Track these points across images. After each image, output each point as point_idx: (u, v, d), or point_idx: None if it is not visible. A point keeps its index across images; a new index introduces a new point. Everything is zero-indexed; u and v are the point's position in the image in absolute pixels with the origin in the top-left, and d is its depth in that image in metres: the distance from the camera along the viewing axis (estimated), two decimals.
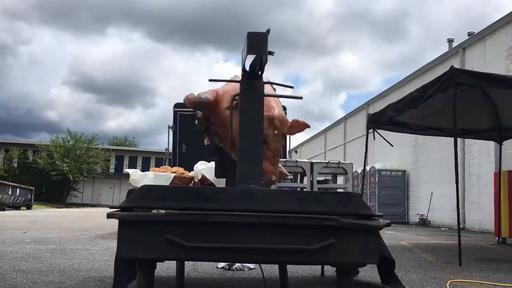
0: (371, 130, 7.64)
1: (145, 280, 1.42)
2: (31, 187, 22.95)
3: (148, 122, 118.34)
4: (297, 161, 6.44)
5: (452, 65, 5.57)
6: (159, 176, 5.67)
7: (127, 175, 5.16)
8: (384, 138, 7.58)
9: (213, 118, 2.04)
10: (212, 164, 3.43)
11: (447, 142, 12.24)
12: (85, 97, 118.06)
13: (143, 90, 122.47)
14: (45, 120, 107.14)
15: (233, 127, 1.96)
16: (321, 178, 6.72)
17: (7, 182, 20.93)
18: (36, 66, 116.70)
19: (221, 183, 3.44)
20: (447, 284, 3.70)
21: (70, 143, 35.93)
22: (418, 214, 15.26)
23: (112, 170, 43.72)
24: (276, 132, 1.87)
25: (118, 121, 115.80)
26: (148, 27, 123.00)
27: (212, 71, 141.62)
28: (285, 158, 8.32)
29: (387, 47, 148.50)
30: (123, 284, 2.89)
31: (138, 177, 5.74)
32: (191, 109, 2.23)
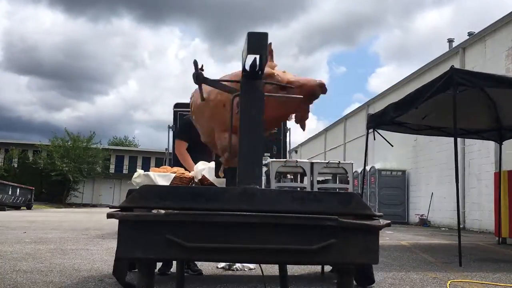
0: (371, 130, 7.64)
1: (145, 280, 1.42)
2: (31, 187, 22.94)
3: (113, 111, 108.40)
4: (297, 161, 6.42)
5: (452, 65, 5.57)
6: (160, 176, 5.68)
7: (127, 175, 5.19)
8: (384, 138, 7.58)
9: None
10: (212, 164, 3.45)
11: (447, 142, 12.25)
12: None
13: (91, 75, 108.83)
14: None
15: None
16: (321, 178, 6.71)
17: (7, 182, 20.92)
18: None
19: (221, 183, 3.45)
20: (447, 284, 3.70)
21: (69, 143, 35.93)
22: (418, 214, 15.26)
23: (112, 170, 43.72)
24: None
25: (68, 111, 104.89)
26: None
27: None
28: (285, 158, 8.32)
29: None
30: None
31: (141, 179, 5.75)
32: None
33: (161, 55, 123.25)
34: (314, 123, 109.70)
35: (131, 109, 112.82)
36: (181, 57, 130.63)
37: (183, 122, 3.92)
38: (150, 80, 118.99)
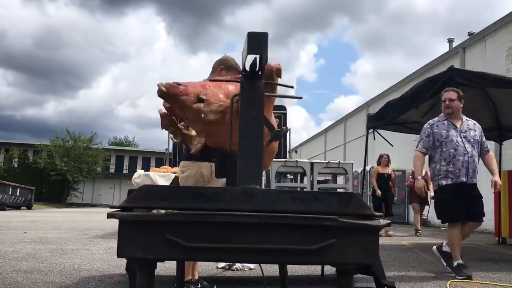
0: (371, 130, 7.64)
1: (145, 280, 1.42)
2: (31, 187, 22.94)
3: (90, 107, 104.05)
4: (297, 161, 6.43)
5: (452, 65, 5.56)
6: (160, 176, 5.69)
7: (127, 175, 5.21)
8: (384, 138, 7.58)
9: (177, 108, 1.98)
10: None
11: None
12: None
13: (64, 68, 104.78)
14: None
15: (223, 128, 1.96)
16: (321, 178, 6.71)
17: (7, 182, 20.91)
18: None
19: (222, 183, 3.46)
20: (447, 284, 3.70)
21: (70, 143, 35.92)
22: None
23: (112, 170, 43.72)
24: None
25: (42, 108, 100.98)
26: None
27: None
28: (285, 158, 8.32)
29: None
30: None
31: (140, 179, 5.77)
32: None
33: (133, 45, 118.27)
34: (303, 116, 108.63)
35: (114, 103, 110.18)
36: (157, 48, 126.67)
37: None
38: (129, 72, 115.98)
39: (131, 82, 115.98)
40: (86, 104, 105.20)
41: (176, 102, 1.89)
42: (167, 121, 2.08)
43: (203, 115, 1.85)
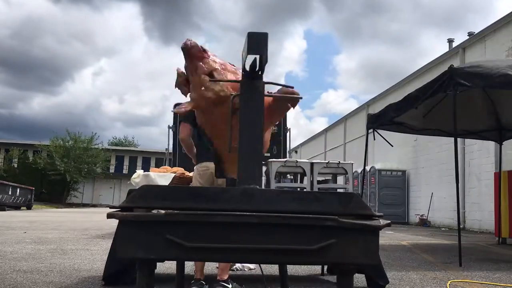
0: (371, 130, 7.64)
1: (145, 280, 1.42)
2: (31, 187, 22.95)
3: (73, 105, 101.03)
4: (297, 161, 6.42)
5: (452, 64, 5.56)
6: (160, 177, 5.69)
7: (127, 175, 5.21)
8: (384, 138, 7.58)
9: (189, 69, 2.02)
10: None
11: (447, 142, 12.24)
12: None
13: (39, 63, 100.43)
14: None
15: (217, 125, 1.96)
16: (321, 178, 6.71)
17: (7, 182, 20.91)
18: None
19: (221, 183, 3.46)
20: (447, 284, 3.70)
21: (70, 143, 35.91)
22: (418, 214, 15.26)
23: (112, 171, 43.72)
24: None
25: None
26: None
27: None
28: (285, 158, 8.32)
29: None
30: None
31: (140, 179, 5.77)
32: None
33: (110, 35, 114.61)
34: (294, 113, 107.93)
35: (100, 98, 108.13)
36: (131, 35, 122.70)
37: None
38: (113, 66, 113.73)
39: (113, 76, 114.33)
40: (72, 100, 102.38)
41: (191, 62, 1.92)
42: (182, 80, 2.10)
43: (203, 88, 1.87)
